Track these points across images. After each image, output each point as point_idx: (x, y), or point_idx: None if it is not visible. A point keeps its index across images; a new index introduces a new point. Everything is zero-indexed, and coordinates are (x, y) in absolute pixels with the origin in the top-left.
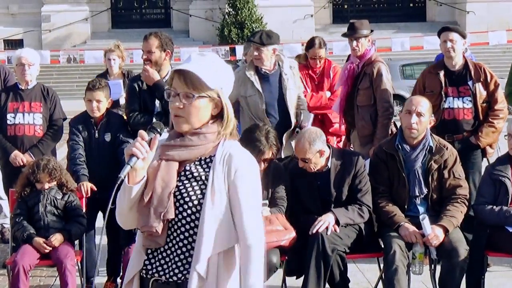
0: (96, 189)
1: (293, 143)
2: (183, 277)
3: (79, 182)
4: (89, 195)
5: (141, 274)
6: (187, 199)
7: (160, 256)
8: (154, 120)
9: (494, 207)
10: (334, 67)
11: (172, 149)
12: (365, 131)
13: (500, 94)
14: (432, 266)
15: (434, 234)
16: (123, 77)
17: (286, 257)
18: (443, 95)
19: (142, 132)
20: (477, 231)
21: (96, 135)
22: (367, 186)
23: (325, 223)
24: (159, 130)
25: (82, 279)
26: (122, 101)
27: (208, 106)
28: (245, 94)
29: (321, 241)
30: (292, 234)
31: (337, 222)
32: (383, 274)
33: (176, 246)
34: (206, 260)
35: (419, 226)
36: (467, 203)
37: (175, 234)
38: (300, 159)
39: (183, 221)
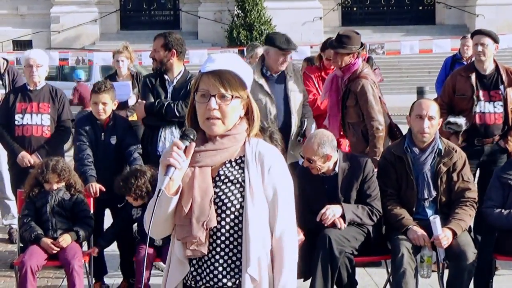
0: (104, 189)
1: (292, 152)
2: (236, 281)
3: (87, 183)
4: (98, 195)
5: (188, 283)
6: (228, 204)
7: (205, 265)
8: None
9: (503, 210)
10: None
11: (203, 155)
12: (358, 147)
13: None
14: (440, 269)
15: (444, 235)
16: (131, 79)
17: None
18: (475, 99)
19: (177, 141)
20: (485, 234)
21: (102, 137)
22: (377, 191)
23: (331, 213)
24: (192, 137)
25: (90, 279)
26: (131, 102)
27: (240, 107)
28: (254, 97)
29: (328, 243)
30: (300, 236)
31: (343, 217)
32: (391, 277)
33: (222, 253)
34: (257, 262)
35: (427, 229)
36: (475, 206)
37: (218, 241)
38: (305, 158)
39: (227, 227)
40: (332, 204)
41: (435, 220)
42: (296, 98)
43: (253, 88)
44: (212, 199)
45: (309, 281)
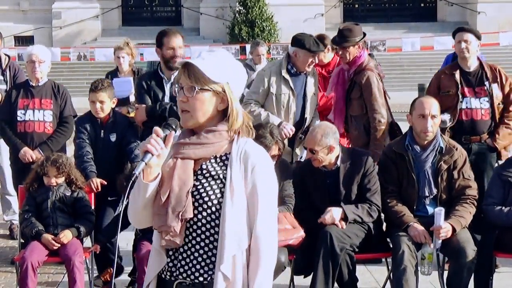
0: (106, 183)
1: (297, 150)
2: (208, 278)
3: (88, 179)
4: (99, 190)
5: (163, 276)
6: (206, 198)
7: (180, 257)
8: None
9: (503, 208)
10: None
11: (187, 147)
12: (359, 141)
13: None
14: (440, 266)
15: (446, 227)
16: (133, 75)
17: (294, 256)
18: (460, 95)
19: (157, 128)
20: (485, 231)
21: (102, 135)
22: (377, 185)
23: (331, 216)
24: (174, 126)
25: (91, 275)
26: (132, 99)
27: (212, 100)
28: (276, 91)
29: (329, 240)
30: (301, 233)
31: (345, 217)
32: (391, 274)
33: (198, 246)
34: (231, 260)
35: (427, 226)
36: (475, 204)
37: (194, 234)
38: (308, 149)
39: (203, 221)
40: (333, 199)
41: (440, 212)
42: (312, 98)
43: (279, 82)
44: (190, 191)
45: (309, 278)
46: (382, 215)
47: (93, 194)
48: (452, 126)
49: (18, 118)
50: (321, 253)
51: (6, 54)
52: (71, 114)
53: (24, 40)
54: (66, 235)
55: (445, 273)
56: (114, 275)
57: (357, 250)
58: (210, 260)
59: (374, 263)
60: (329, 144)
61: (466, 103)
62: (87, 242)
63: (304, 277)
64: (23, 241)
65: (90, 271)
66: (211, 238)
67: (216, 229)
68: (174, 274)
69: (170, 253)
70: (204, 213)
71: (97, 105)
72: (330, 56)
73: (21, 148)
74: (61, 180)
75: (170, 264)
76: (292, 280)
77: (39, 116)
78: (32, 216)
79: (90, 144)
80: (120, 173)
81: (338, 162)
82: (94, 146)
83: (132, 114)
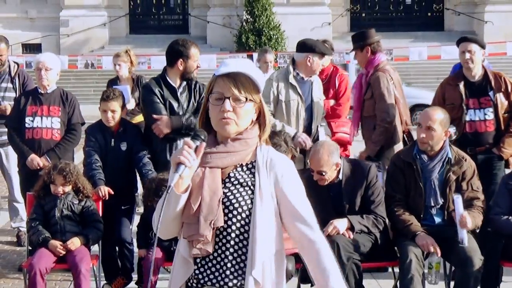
0: (113, 192)
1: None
2: (238, 283)
3: (96, 186)
4: (107, 197)
5: (189, 284)
6: (236, 205)
7: (210, 264)
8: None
9: (510, 217)
10: (340, 75)
11: (214, 156)
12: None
13: None
14: (447, 275)
15: (469, 220)
16: (132, 82)
17: (301, 265)
18: (464, 107)
19: (188, 140)
20: (492, 241)
21: (113, 143)
22: (380, 196)
23: (335, 228)
24: (203, 138)
25: (98, 283)
26: (130, 107)
27: (252, 111)
28: (284, 98)
29: (336, 249)
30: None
31: (351, 228)
32: (398, 283)
33: (227, 253)
34: (261, 265)
35: (434, 235)
36: (483, 214)
37: (224, 240)
38: (316, 172)
39: (233, 227)
40: (338, 211)
41: (458, 200)
42: (319, 104)
43: (287, 88)
44: (221, 199)
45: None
46: (389, 223)
47: (101, 202)
48: (458, 138)
49: (26, 125)
50: None
51: (15, 62)
52: (79, 121)
53: (31, 48)
54: (74, 242)
55: (452, 283)
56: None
57: (364, 259)
58: (239, 266)
59: (380, 272)
60: (336, 162)
61: (470, 115)
62: (95, 249)
63: (311, 286)
64: (30, 248)
65: (98, 278)
66: (240, 245)
67: (246, 235)
68: (201, 281)
69: (198, 260)
70: (234, 220)
71: (109, 114)
72: (326, 62)
73: (29, 155)
74: (68, 188)
75: (197, 272)
76: None
77: (47, 123)
78: (40, 224)
79: (101, 153)
80: (129, 181)
81: (340, 175)
82: (105, 155)
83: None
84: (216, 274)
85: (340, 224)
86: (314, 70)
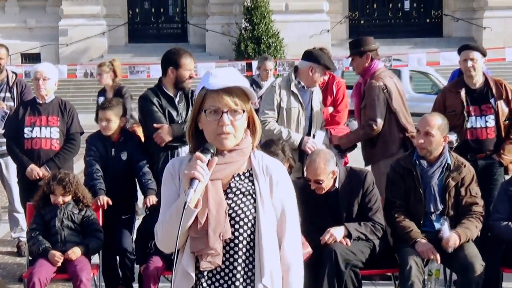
0: (111, 202)
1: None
2: None
3: (96, 196)
4: (105, 207)
5: None
6: (242, 215)
7: (218, 276)
8: None
9: (510, 223)
10: (337, 82)
11: (215, 169)
12: (366, 152)
13: None
14: (447, 282)
15: (453, 239)
16: (113, 93)
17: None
18: (465, 115)
19: (200, 155)
20: (492, 247)
21: (113, 153)
22: (377, 204)
23: (332, 236)
24: (212, 151)
25: None
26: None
27: (246, 120)
28: (286, 105)
29: (334, 257)
30: (308, 249)
31: (349, 235)
32: None
33: (236, 263)
34: (270, 272)
35: (434, 242)
36: (482, 220)
37: (232, 252)
38: (313, 180)
39: (240, 238)
40: (335, 219)
41: (444, 223)
42: (318, 113)
43: (289, 96)
44: (227, 211)
45: None
46: (389, 230)
47: (100, 211)
48: (459, 145)
49: (25, 135)
50: (326, 270)
51: (13, 72)
52: (77, 131)
53: (31, 58)
54: (75, 252)
55: None
56: None
57: (362, 266)
58: (248, 275)
59: (380, 278)
60: (332, 170)
61: (471, 122)
62: (95, 259)
63: None
64: (31, 258)
65: None
66: (248, 254)
67: (252, 244)
68: None
69: (205, 273)
70: (241, 230)
71: (103, 123)
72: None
73: (28, 165)
74: (68, 198)
75: (204, 285)
76: None
77: (46, 133)
78: (40, 234)
79: (101, 162)
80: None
81: (337, 184)
82: (105, 164)
83: (138, 129)
84: (225, 285)
85: (337, 232)
86: (314, 81)
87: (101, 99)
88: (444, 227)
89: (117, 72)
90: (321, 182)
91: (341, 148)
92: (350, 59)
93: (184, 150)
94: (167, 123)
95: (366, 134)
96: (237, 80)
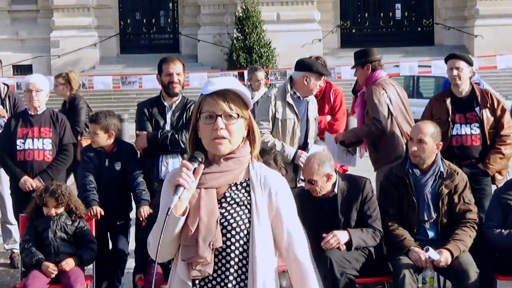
0: (103, 213)
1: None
2: None
3: (89, 207)
4: (98, 217)
5: None
6: (234, 225)
7: (210, 285)
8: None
9: (503, 230)
10: (334, 90)
11: (209, 176)
12: (371, 156)
13: (507, 120)
14: None
15: (443, 258)
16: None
17: None
18: (451, 122)
19: (186, 162)
20: (486, 254)
21: (107, 163)
22: (377, 211)
23: (336, 239)
24: (200, 160)
25: None
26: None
27: (243, 127)
28: (281, 116)
29: (329, 264)
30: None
31: (350, 242)
32: None
33: (227, 273)
34: (262, 284)
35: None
36: (476, 227)
37: (223, 261)
38: (306, 180)
39: (232, 247)
40: (332, 225)
41: (428, 253)
42: (314, 123)
43: (284, 107)
44: (218, 220)
45: None
46: (383, 238)
47: (94, 221)
48: (443, 151)
49: (18, 147)
50: (321, 277)
51: (5, 84)
52: (70, 141)
53: (22, 69)
54: (68, 263)
55: None
56: None
57: (357, 274)
58: (239, 285)
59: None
60: (327, 172)
61: (457, 129)
62: (89, 269)
63: None
64: (24, 269)
65: None
66: (240, 264)
67: (245, 254)
68: None
69: (197, 282)
70: (233, 240)
71: (90, 136)
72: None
73: (21, 177)
74: (60, 210)
75: None
76: None
77: (38, 145)
78: (33, 245)
79: (95, 173)
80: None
81: (336, 189)
82: (99, 175)
83: (84, 142)
84: None
85: (341, 236)
86: (311, 90)
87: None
88: (430, 253)
89: (72, 83)
90: (313, 183)
91: (345, 144)
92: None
93: (165, 159)
94: (151, 130)
95: (370, 132)
96: (233, 85)
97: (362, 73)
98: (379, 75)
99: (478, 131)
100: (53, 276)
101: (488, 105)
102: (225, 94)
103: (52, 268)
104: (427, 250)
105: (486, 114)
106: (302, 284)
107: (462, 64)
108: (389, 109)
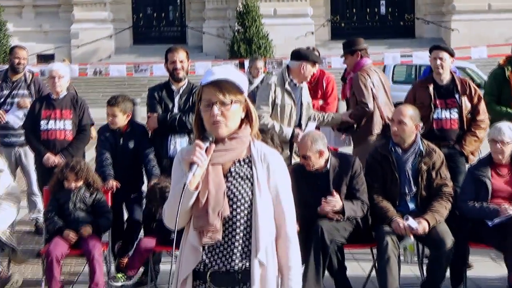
0: (120, 185)
1: (294, 155)
2: (243, 266)
3: (105, 181)
4: (114, 190)
5: (197, 269)
6: (239, 196)
7: (218, 250)
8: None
9: (475, 203)
10: (327, 77)
11: (215, 154)
12: (352, 135)
13: (482, 107)
14: (420, 256)
15: (421, 227)
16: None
17: None
18: (432, 107)
19: (199, 142)
20: (460, 224)
21: (121, 142)
22: (364, 185)
23: (333, 204)
24: (210, 139)
25: (108, 266)
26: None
27: (239, 110)
28: (280, 102)
29: (320, 233)
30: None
31: (342, 211)
32: (376, 263)
33: (234, 239)
34: (265, 249)
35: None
36: (451, 200)
37: (230, 229)
38: (301, 155)
39: (238, 216)
40: (325, 197)
41: (408, 222)
42: (307, 107)
43: (283, 94)
44: (225, 192)
45: (303, 267)
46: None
47: (110, 193)
48: (425, 133)
49: (42, 127)
50: (313, 245)
51: (30, 71)
52: (88, 122)
53: (45, 58)
54: (87, 230)
55: (424, 262)
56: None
57: (345, 242)
58: (243, 251)
59: (361, 252)
60: (319, 149)
61: (437, 114)
62: (105, 237)
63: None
64: (47, 236)
65: (108, 263)
66: (245, 231)
67: (249, 222)
68: (208, 265)
69: (206, 247)
70: (238, 210)
71: (110, 118)
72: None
73: (45, 154)
74: (80, 183)
75: (204, 257)
76: None
77: (60, 125)
78: (55, 215)
79: (111, 151)
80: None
81: (328, 165)
82: (114, 152)
83: None
84: (223, 259)
85: (337, 202)
86: (306, 77)
87: None
88: (409, 222)
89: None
90: (307, 158)
91: (341, 129)
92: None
93: (173, 138)
94: (160, 112)
95: (363, 112)
96: (228, 74)
97: (352, 60)
98: (365, 62)
99: (456, 116)
100: (73, 242)
101: (467, 93)
102: (220, 84)
103: (72, 235)
104: (406, 219)
105: (465, 101)
106: (288, 258)
107: (445, 55)
108: (372, 92)
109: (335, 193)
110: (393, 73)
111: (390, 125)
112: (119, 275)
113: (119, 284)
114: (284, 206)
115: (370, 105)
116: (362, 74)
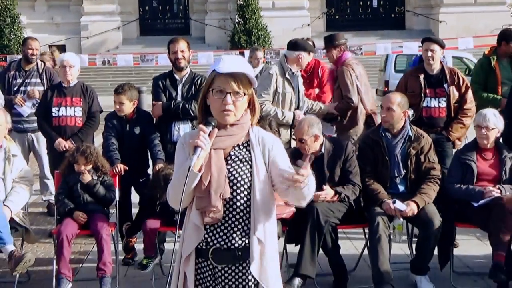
0: (127, 168)
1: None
2: (243, 243)
3: (113, 165)
4: (122, 173)
5: (199, 246)
6: (239, 179)
7: (219, 229)
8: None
9: (462, 185)
10: (322, 67)
11: (217, 139)
12: (341, 128)
13: (469, 96)
14: (409, 235)
15: (410, 209)
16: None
17: (287, 228)
18: (422, 96)
19: (203, 126)
20: (447, 206)
21: (128, 128)
22: (356, 168)
23: (324, 196)
24: (213, 124)
25: (116, 246)
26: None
27: (246, 101)
28: (281, 90)
29: (315, 214)
30: (292, 208)
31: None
32: (368, 242)
33: (234, 219)
34: (263, 227)
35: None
36: (439, 182)
37: (230, 209)
38: (298, 139)
39: (238, 197)
40: (319, 180)
41: (396, 204)
42: (303, 94)
43: (284, 82)
44: (226, 175)
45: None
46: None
47: (117, 177)
48: (415, 120)
49: (53, 114)
50: (308, 225)
51: (42, 61)
52: (97, 109)
53: (57, 49)
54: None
55: (413, 241)
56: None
57: (339, 222)
58: (243, 229)
59: (353, 232)
60: (314, 133)
61: (427, 102)
62: (112, 218)
63: (295, 245)
64: (59, 217)
65: (116, 242)
66: (244, 211)
67: (248, 203)
68: (210, 243)
69: (207, 227)
70: (238, 191)
71: (117, 106)
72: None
73: (56, 139)
74: (89, 167)
75: (206, 236)
76: (285, 248)
77: (70, 112)
78: (66, 197)
79: (117, 136)
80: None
81: (323, 149)
82: (121, 138)
83: None
84: (224, 237)
85: (329, 194)
86: (302, 66)
87: None
88: (396, 205)
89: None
90: (303, 141)
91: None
92: (325, 50)
93: (177, 125)
94: (164, 100)
95: (348, 106)
96: (243, 67)
97: (334, 54)
98: (347, 56)
99: (444, 104)
100: (82, 223)
101: (455, 83)
102: (235, 75)
103: (81, 216)
104: (394, 202)
105: (453, 90)
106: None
107: (436, 46)
108: (357, 85)
109: (325, 186)
110: (395, 63)
111: (380, 111)
112: (144, 260)
113: (151, 267)
114: (285, 167)
115: (355, 99)
116: (347, 68)
